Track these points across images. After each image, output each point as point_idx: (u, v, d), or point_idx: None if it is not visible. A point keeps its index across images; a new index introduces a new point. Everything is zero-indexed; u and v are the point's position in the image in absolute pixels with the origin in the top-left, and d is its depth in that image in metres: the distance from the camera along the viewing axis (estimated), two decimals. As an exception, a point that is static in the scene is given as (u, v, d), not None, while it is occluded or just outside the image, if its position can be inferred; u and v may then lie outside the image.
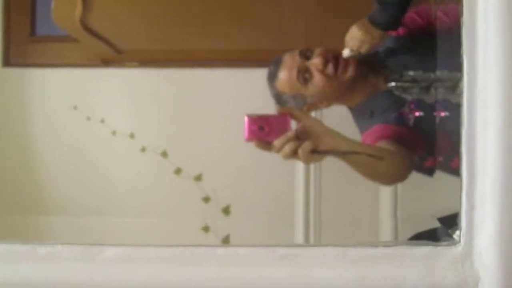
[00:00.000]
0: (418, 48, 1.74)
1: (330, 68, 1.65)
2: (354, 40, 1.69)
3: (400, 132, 1.61)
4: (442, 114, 1.59)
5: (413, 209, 2.34)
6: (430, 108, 1.63)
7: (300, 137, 1.21)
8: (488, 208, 0.86)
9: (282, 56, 1.74)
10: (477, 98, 0.86)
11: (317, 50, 1.68)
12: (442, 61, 1.56)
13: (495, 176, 0.86)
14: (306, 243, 2.57)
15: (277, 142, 1.21)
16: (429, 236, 1.07)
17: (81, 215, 2.60)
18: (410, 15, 1.79)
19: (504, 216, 0.86)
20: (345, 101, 1.75)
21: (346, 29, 2.08)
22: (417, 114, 1.64)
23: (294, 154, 1.20)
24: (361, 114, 1.73)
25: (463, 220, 0.87)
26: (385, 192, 2.48)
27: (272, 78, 1.72)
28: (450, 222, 0.96)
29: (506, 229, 0.86)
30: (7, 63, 2.74)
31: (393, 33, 1.77)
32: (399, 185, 2.32)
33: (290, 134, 1.21)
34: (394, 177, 1.60)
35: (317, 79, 1.65)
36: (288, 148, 1.20)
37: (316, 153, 1.21)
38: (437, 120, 1.60)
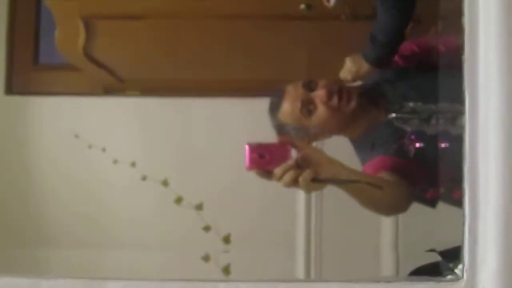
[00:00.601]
0: (418, 80, 1.74)
1: (334, 101, 1.63)
2: (346, 71, 1.78)
3: (401, 163, 1.60)
4: (443, 145, 1.58)
5: (415, 240, 2.32)
6: (430, 140, 1.62)
7: (300, 165, 1.20)
8: (490, 243, 0.86)
9: (285, 87, 1.72)
10: (479, 133, 0.86)
11: (322, 82, 1.66)
12: (442, 92, 1.56)
13: (498, 211, 0.86)
14: (307, 273, 2.55)
15: (277, 171, 1.21)
16: (431, 270, 1.07)
17: (81, 247, 2.59)
18: (410, 47, 1.80)
19: (507, 251, 0.85)
20: (346, 133, 1.74)
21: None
22: (417, 145, 1.64)
23: (294, 182, 1.20)
24: (362, 146, 1.72)
25: (466, 255, 0.86)
26: (387, 223, 2.48)
27: (274, 109, 1.70)
28: (452, 255, 0.95)
29: (509, 265, 0.85)
30: (10, 91, 2.76)
31: (392, 65, 1.78)
32: (401, 216, 2.32)
33: (290, 162, 1.20)
34: (394, 208, 1.59)
35: (321, 111, 1.63)
36: (288, 176, 1.19)
37: (317, 181, 1.21)
38: (438, 151, 1.60)
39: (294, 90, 1.67)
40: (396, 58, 1.80)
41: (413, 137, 1.63)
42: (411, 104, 1.65)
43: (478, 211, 0.86)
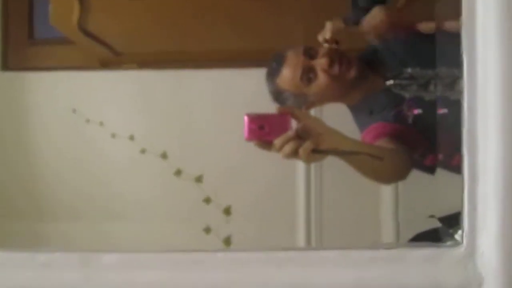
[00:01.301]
0: (416, 46, 1.74)
1: (335, 69, 1.63)
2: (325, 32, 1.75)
3: (399, 130, 1.61)
4: (441, 111, 1.57)
5: (415, 208, 2.33)
6: (429, 106, 1.61)
7: (301, 136, 1.19)
8: (490, 208, 0.85)
9: (285, 52, 1.71)
10: (477, 97, 0.85)
11: (322, 50, 1.67)
12: (440, 57, 1.55)
13: (497, 175, 0.85)
14: (307, 244, 2.56)
15: (277, 141, 1.19)
16: (431, 237, 1.07)
17: (80, 221, 2.60)
18: None
19: (506, 216, 0.85)
20: (345, 100, 1.74)
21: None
22: (415, 111, 1.63)
23: (294, 153, 1.18)
24: (360, 112, 1.72)
25: (465, 221, 0.86)
26: (386, 191, 2.48)
27: (273, 74, 1.70)
28: (451, 221, 0.95)
29: (509, 229, 0.85)
30: (6, 67, 2.73)
31: (391, 32, 1.76)
32: (400, 184, 2.31)
33: (290, 133, 1.19)
34: (394, 176, 1.59)
35: (322, 79, 1.63)
36: (288, 147, 1.18)
37: (317, 152, 1.20)
38: (437, 118, 1.59)
39: (294, 57, 1.66)
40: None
41: (411, 103, 1.63)
42: (409, 70, 1.62)
43: (477, 177, 0.86)
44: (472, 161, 0.85)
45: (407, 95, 1.62)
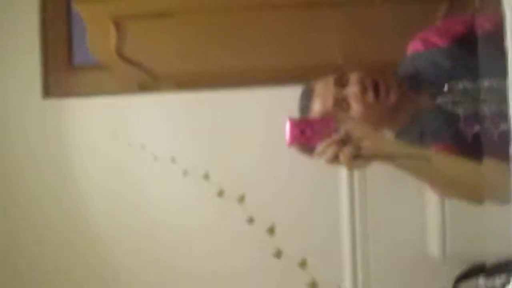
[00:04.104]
0: (463, 58, 1.55)
1: (370, 96, 1.48)
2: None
3: (460, 150, 1.42)
4: (502, 125, 1.43)
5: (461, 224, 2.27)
6: (487, 121, 1.43)
7: (345, 141, 1.15)
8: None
9: (313, 84, 1.58)
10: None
11: (354, 76, 1.52)
12: (490, 69, 1.44)
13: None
14: (353, 265, 2.53)
15: (319, 146, 1.16)
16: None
17: (125, 243, 2.62)
18: (455, 27, 1.64)
19: None
20: (389, 126, 1.59)
21: (378, 44, 2.05)
22: (474, 128, 1.46)
23: (336, 158, 1.15)
24: (408, 138, 1.55)
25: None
26: (432, 203, 2.42)
27: (304, 111, 1.57)
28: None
29: None
30: (47, 94, 2.78)
31: (433, 47, 1.66)
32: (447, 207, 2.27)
33: (334, 137, 1.15)
34: (456, 186, 1.36)
35: (356, 108, 1.49)
36: (330, 151, 1.15)
37: (359, 157, 1.16)
38: (496, 134, 1.46)
39: (324, 88, 1.54)
40: (437, 39, 1.64)
41: (468, 120, 1.47)
42: (460, 85, 1.49)
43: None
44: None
45: (461, 111, 1.48)
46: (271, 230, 2.54)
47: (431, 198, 2.39)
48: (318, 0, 1.86)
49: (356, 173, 2.51)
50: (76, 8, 1.99)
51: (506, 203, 1.19)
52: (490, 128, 1.41)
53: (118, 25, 2.06)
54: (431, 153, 1.37)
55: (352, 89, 1.50)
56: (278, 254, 2.55)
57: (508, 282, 0.84)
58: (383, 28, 1.94)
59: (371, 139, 1.19)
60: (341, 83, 1.52)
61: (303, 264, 2.56)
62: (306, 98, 1.57)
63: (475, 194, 1.35)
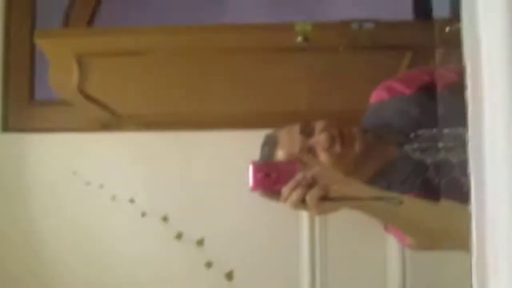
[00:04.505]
0: (429, 106, 1.50)
1: (337, 146, 1.48)
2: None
3: (431, 198, 1.39)
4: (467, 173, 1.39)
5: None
6: (457, 167, 1.47)
7: (311, 185, 1.12)
8: None
9: (276, 134, 1.57)
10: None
11: (319, 125, 1.52)
12: (452, 118, 1.43)
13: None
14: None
15: (284, 189, 1.12)
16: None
17: (83, 285, 2.55)
18: (420, 77, 1.66)
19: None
20: (356, 176, 1.53)
21: (342, 93, 2.05)
22: (443, 178, 1.49)
23: (302, 201, 1.11)
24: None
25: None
26: (393, 254, 2.41)
27: (266, 159, 1.55)
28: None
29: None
30: (6, 128, 2.73)
31: (398, 95, 1.66)
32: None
33: (298, 179, 1.12)
34: (425, 230, 1.31)
35: (324, 158, 1.47)
36: (296, 194, 1.11)
37: (326, 200, 1.12)
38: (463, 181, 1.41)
39: (289, 137, 1.52)
40: (403, 88, 1.66)
41: (436, 167, 1.45)
42: (427, 133, 1.45)
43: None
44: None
45: (428, 159, 1.45)
46: (229, 275, 2.49)
47: (392, 245, 2.39)
48: (283, 47, 1.85)
49: (317, 220, 2.49)
50: (38, 42, 1.96)
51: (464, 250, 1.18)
52: (458, 176, 1.41)
53: (80, 62, 2.03)
54: (402, 196, 1.35)
55: (320, 139, 1.49)
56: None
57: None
58: (347, 76, 1.95)
59: (339, 182, 1.16)
60: (307, 131, 1.51)
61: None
62: (269, 146, 1.56)
63: (447, 240, 1.32)
